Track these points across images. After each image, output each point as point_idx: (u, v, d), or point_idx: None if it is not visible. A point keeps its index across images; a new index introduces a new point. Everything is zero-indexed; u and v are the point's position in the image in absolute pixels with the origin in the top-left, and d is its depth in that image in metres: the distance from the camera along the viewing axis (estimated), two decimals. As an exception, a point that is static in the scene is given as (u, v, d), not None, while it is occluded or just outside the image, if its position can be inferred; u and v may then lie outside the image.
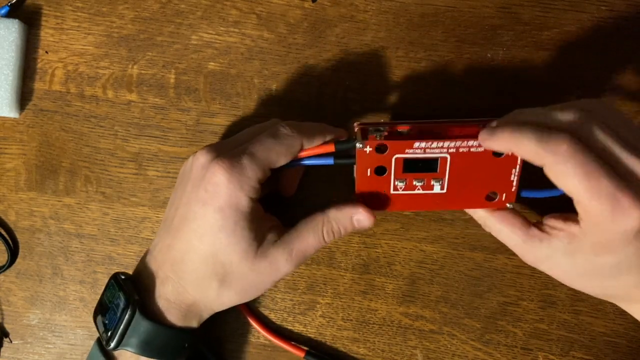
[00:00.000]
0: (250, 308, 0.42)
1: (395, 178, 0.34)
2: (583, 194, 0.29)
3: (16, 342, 0.43)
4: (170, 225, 0.34)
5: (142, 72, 0.41)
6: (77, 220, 0.42)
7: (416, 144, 0.33)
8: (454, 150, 0.33)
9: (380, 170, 0.34)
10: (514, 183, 0.34)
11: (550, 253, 0.33)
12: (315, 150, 0.35)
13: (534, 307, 0.40)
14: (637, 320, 0.34)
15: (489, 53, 0.40)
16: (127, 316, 0.33)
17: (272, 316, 0.41)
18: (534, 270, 0.40)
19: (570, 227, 0.32)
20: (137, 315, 0.33)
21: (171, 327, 0.34)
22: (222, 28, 0.41)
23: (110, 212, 0.42)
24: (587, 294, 0.34)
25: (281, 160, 0.34)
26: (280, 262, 0.34)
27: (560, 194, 0.32)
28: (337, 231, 0.35)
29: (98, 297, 0.42)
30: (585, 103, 0.31)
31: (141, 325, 0.33)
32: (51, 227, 0.42)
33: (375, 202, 0.35)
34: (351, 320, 0.41)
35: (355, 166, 0.34)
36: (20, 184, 0.42)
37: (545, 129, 0.30)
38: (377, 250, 0.41)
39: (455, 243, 0.41)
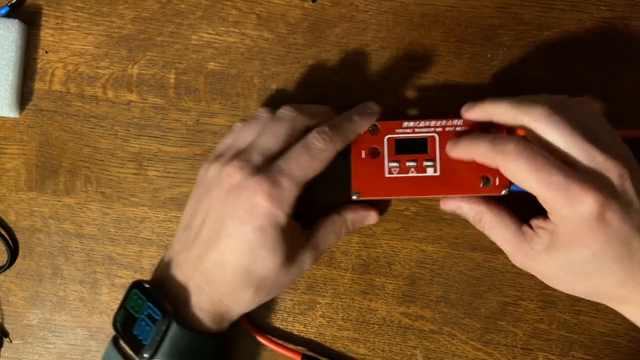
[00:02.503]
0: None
1: (389, 159, 0.36)
2: (537, 188, 0.31)
3: (16, 342, 0.43)
4: (197, 236, 0.34)
5: (142, 72, 0.41)
6: (77, 220, 0.42)
7: (405, 124, 0.36)
8: (440, 129, 0.36)
9: (375, 153, 0.36)
10: None
11: (538, 251, 0.33)
12: None
13: (534, 307, 0.40)
14: (637, 320, 0.35)
15: (489, 53, 0.40)
16: (163, 327, 0.32)
17: (272, 316, 0.41)
18: (534, 270, 0.40)
19: (549, 225, 0.33)
20: (175, 326, 0.33)
21: (206, 334, 0.34)
22: (222, 28, 0.41)
23: (110, 212, 0.42)
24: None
25: (317, 173, 0.34)
26: (306, 263, 0.36)
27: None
28: (351, 230, 0.39)
29: (98, 297, 0.42)
30: (553, 97, 0.34)
31: (177, 335, 0.33)
32: (51, 227, 0.42)
33: (372, 189, 0.36)
34: (351, 320, 0.41)
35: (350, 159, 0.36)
36: (20, 184, 0.42)
37: (497, 135, 0.34)
38: (377, 250, 0.41)
39: (455, 243, 0.41)
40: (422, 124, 0.36)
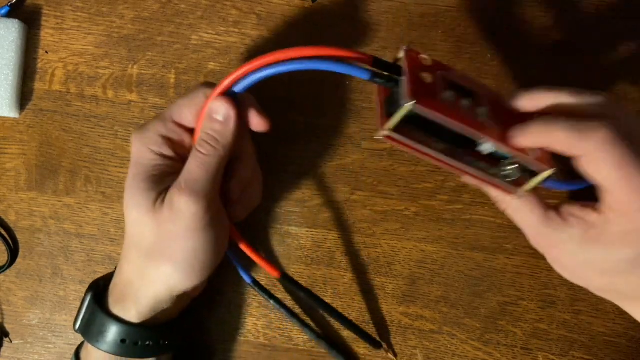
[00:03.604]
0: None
1: (443, 88, 0.30)
2: (615, 184, 0.28)
3: (16, 342, 0.43)
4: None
5: (142, 72, 0.41)
6: (77, 220, 0.42)
7: (458, 72, 0.32)
8: (487, 92, 0.32)
9: (429, 78, 0.31)
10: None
11: (565, 240, 0.32)
12: (347, 53, 0.32)
13: (534, 307, 0.40)
14: (637, 320, 0.34)
15: (489, 53, 0.40)
16: (90, 313, 0.35)
17: (272, 316, 0.41)
18: (534, 270, 0.40)
19: (589, 216, 0.31)
20: (100, 312, 0.35)
21: (147, 325, 0.35)
22: (222, 28, 0.41)
23: (110, 212, 0.42)
24: (587, 294, 0.34)
25: (184, 112, 0.34)
26: (178, 202, 0.31)
27: (582, 187, 0.31)
28: (211, 138, 0.33)
29: (98, 297, 0.42)
30: (608, 111, 0.30)
31: (104, 321, 0.34)
32: (51, 227, 0.42)
33: (430, 102, 0.30)
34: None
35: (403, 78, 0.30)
36: (20, 184, 0.42)
37: (578, 119, 0.29)
38: (377, 250, 0.41)
39: (455, 243, 0.41)
40: (471, 78, 0.32)
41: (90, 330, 0.35)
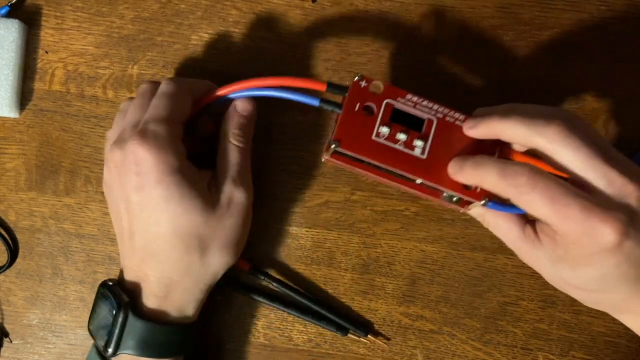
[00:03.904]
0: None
1: (381, 123, 0.33)
2: (554, 219, 0.29)
3: (16, 342, 0.43)
4: (123, 231, 0.35)
5: (142, 72, 0.41)
6: (77, 220, 0.42)
7: (409, 96, 0.33)
8: (441, 115, 0.33)
9: (369, 110, 0.33)
10: None
11: (540, 256, 0.32)
12: (303, 83, 0.34)
13: (534, 307, 0.40)
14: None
15: (489, 53, 0.40)
16: (120, 319, 0.33)
17: (272, 316, 0.41)
18: (534, 270, 0.40)
19: (555, 235, 0.31)
20: (131, 316, 0.33)
21: (167, 323, 0.34)
22: (222, 28, 0.41)
23: (110, 212, 0.42)
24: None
25: (184, 110, 0.34)
26: (235, 195, 0.34)
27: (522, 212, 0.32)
28: (243, 132, 0.36)
29: (98, 297, 0.42)
30: (562, 112, 0.31)
31: (136, 326, 0.33)
32: (51, 227, 0.42)
33: (354, 143, 0.33)
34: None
35: (343, 103, 0.33)
36: (20, 184, 0.42)
37: (506, 162, 0.30)
38: (377, 250, 0.41)
39: (455, 243, 0.41)
40: (425, 102, 0.33)
41: (149, 346, 0.33)
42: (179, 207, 0.32)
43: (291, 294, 0.40)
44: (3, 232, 0.42)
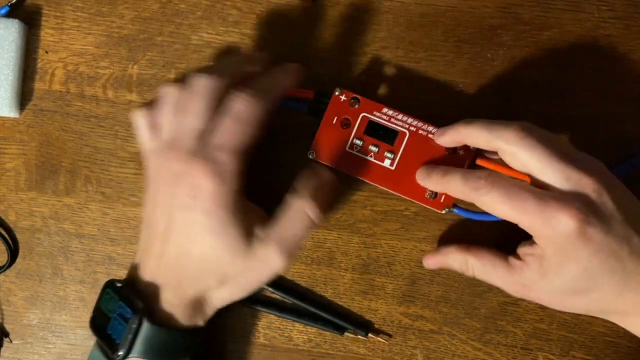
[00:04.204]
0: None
1: (356, 135, 0.37)
2: (514, 215, 0.32)
3: (16, 342, 0.43)
4: (154, 232, 0.34)
5: (142, 72, 0.41)
6: (77, 220, 0.42)
7: (385, 110, 0.37)
8: (414, 128, 0.37)
9: (346, 124, 0.37)
10: None
11: (531, 279, 0.34)
12: (290, 92, 0.37)
13: (534, 307, 0.40)
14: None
15: (489, 53, 0.40)
16: (134, 325, 0.32)
17: (272, 316, 0.41)
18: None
19: (536, 250, 0.33)
20: (146, 323, 0.32)
21: (179, 329, 0.34)
22: (222, 28, 0.41)
23: (110, 212, 0.42)
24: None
25: (253, 137, 0.33)
26: (272, 258, 0.33)
27: (492, 220, 0.36)
28: (320, 209, 0.34)
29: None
30: (515, 130, 0.33)
31: (150, 332, 0.33)
32: (51, 227, 0.42)
33: (329, 155, 0.37)
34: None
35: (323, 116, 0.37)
36: (20, 184, 0.42)
37: (469, 170, 0.34)
38: (377, 250, 0.41)
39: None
40: (400, 116, 0.37)
41: (159, 351, 0.33)
42: (216, 241, 0.32)
43: (287, 297, 0.41)
44: (3, 232, 0.42)
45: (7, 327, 0.43)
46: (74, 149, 0.42)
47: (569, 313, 0.40)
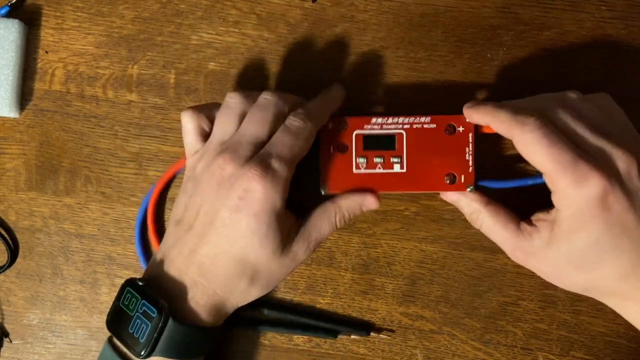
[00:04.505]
0: None
1: (357, 155, 0.37)
2: (547, 162, 0.31)
3: (16, 342, 0.43)
4: (189, 230, 0.34)
5: (142, 72, 0.41)
6: (77, 220, 0.42)
7: (373, 120, 0.37)
8: (408, 126, 0.36)
9: (343, 148, 0.37)
10: (470, 163, 0.36)
11: (538, 246, 0.34)
12: None
13: (534, 307, 0.40)
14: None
15: (489, 53, 0.40)
16: (160, 324, 0.32)
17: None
18: (534, 270, 0.40)
19: (551, 215, 0.33)
20: (171, 322, 0.33)
21: (202, 328, 0.34)
22: (222, 28, 0.41)
23: (110, 212, 0.42)
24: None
25: (304, 153, 0.35)
26: (300, 254, 0.35)
27: (517, 185, 0.36)
28: (348, 218, 0.37)
29: (98, 297, 0.42)
30: (561, 93, 0.35)
31: (174, 330, 0.33)
32: (51, 227, 0.42)
33: (340, 183, 0.37)
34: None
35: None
36: (20, 184, 0.42)
37: (519, 107, 0.34)
38: (377, 250, 0.41)
39: (455, 243, 0.41)
40: (390, 120, 0.37)
41: (181, 349, 0.34)
42: (258, 242, 0.33)
43: (279, 314, 0.41)
44: (3, 232, 0.42)
45: (7, 327, 0.43)
46: (74, 149, 0.42)
47: (569, 313, 0.40)
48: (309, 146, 0.35)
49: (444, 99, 0.40)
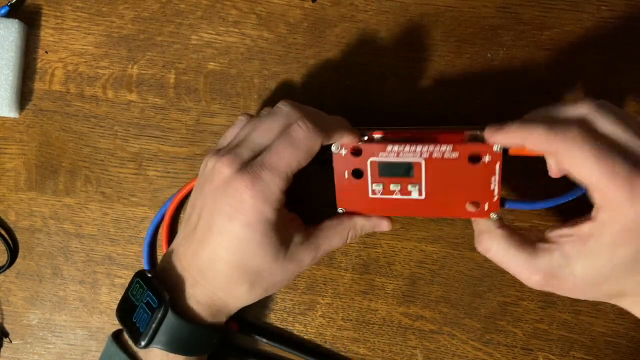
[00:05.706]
0: None
1: (372, 181, 0.35)
2: (599, 177, 0.29)
3: (16, 342, 0.43)
4: (194, 230, 0.35)
5: (142, 72, 0.41)
6: (77, 220, 0.42)
7: (389, 148, 0.34)
8: (427, 155, 0.33)
9: (358, 174, 0.35)
10: (496, 192, 0.33)
11: (564, 262, 0.31)
12: None
13: (534, 307, 0.40)
14: (637, 320, 0.34)
15: (489, 53, 0.40)
16: (159, 314, 0.33)
17: (272, 316, 0.42)
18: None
19: (582, 229, 0.31)
20: (170, 313, 0.33)
21: (202, 325, 0.35)
22: (222, 28, 0.41)
23: (110, 212, 0.42)
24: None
25: (302, 164, 0.33)
26: (306, 261, 0.35)
27: (545, 207, 0.33)
28: (359, 235, 0.37)
29: (98, 297, 0.42)
30: (592, 99, 0.32)
31: (174, 324, 0.33)
32: (51, 227, 0.42)
33: (356, 206, 0.36)
34: (351, 320, 0.41)
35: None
36: (20, 184, 0.42)
37: (554, 119, 0.30)
38: (377, 250, 0.41)
39: (455, 243, 0.41)
40: (407, 148, 0.34)
41: (180, 344, 0.34)
42: (255, 251, 0.33)
43: (282, 347, 0.41)
44: (3, 232, 0.42)
45: (7, 327, 0.43)
46: (74, 149, 0.42)
47: (569, 313, 0.40)
48: (309, 158, 0.33)
49: (444, 99, 0.40)
